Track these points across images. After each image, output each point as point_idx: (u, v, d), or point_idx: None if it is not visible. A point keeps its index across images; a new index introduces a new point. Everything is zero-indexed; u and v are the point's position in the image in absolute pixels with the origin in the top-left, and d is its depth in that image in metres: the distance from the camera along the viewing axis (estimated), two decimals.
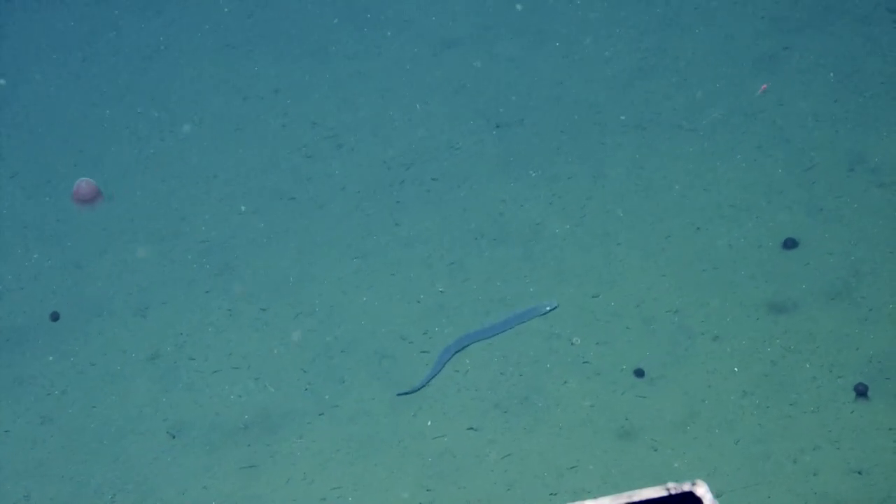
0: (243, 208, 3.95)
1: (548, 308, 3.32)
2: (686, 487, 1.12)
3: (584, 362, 3.03)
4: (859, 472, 2.68)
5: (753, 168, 3.74)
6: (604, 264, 3.39)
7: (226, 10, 4.90)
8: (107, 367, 3.37)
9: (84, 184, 3.73)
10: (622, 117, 4.03)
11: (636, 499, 1.12)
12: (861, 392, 2.89)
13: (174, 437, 3.10)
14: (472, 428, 2.93)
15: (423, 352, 3.22)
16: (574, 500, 2.61)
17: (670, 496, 1.12)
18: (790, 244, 3.34)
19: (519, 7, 4.52)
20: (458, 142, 4.05)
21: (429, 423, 2.97)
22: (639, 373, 3.08)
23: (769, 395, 2.91)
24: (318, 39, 4.66)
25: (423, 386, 3.28)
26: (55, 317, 3.53)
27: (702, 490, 1.11)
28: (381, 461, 2.91)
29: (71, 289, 3.71)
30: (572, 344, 3.15)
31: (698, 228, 3.42)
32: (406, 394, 3.27)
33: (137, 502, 3.02)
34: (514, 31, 4.50)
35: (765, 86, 3.78)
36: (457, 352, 3.33)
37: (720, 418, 2.87)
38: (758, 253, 3.45)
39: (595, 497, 1.12)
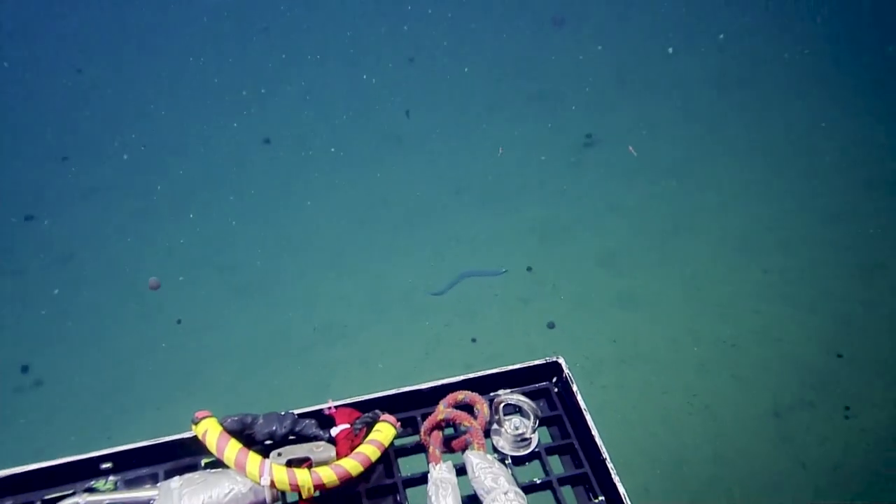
0: (354, 229, 5.11)
1: (503, 270, 4.54)
2: (553, 359, 1.32)
3: (495, 295, 4.53)
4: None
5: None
6: (506, 251, 4.89)
7: (307, 97, 6.40)
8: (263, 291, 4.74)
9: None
10: (501, 195, 5.36)
11: (519, 366, 1.30)
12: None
13: (314, 330, 4.32)
14: (447, 325, 4.31)
15: (425, 293, 4.54)
16: (489, 358, 3.81)
17: (545, 364, 1.33)
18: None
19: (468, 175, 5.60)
20: (440, 201, 5.46)
21: (427, 322, 4.34)
22: (524, 300, 4.39)
23: (579, 306, 4.31)
24: (373, 154, 6.00)
25: (443, 292, 4.37)
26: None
27: (562, 361, 1.31)
28: (403, 342, 4.20)
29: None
30: (491, 287, 4.54)
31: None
32: (436, 294, 4.39)
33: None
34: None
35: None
36: (458, 280, 4.35)
37: (579, 320, 4.14)
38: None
39: (499, 365, 1.32)
